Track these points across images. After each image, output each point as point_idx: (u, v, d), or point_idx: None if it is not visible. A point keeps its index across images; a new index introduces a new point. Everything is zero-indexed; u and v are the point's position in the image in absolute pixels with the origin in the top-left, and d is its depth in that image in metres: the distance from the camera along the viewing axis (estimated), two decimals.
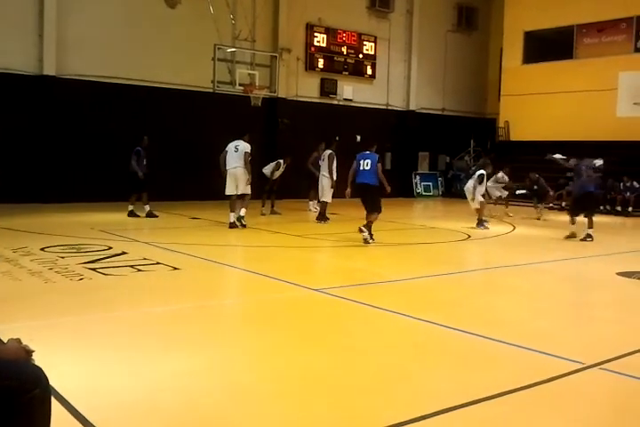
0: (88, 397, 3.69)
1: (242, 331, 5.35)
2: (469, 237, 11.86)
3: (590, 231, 11.33)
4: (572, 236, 11.50)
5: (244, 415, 3.54)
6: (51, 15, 15.83)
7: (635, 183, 17.66)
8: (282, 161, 15.11)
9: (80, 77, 16.35)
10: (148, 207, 13.21)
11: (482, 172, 13.46)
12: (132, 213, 13.17)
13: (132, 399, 3.69)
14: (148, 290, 6.75)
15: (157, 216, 13.22)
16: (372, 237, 10.22)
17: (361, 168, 10.41)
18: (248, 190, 12.04)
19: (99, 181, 16.43)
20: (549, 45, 22.88)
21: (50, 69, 15.94)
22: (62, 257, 8.20)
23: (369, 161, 10.40)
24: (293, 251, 9.91)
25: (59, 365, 4.11)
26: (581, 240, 11.27)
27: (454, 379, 4.21)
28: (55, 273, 7.16)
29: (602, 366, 4.42)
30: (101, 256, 8.37)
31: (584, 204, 11.60)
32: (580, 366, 4.42)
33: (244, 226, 11.92)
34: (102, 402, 3.64)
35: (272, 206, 14.95)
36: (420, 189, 23.74)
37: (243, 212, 12.04)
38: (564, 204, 17.52)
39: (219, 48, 15.75)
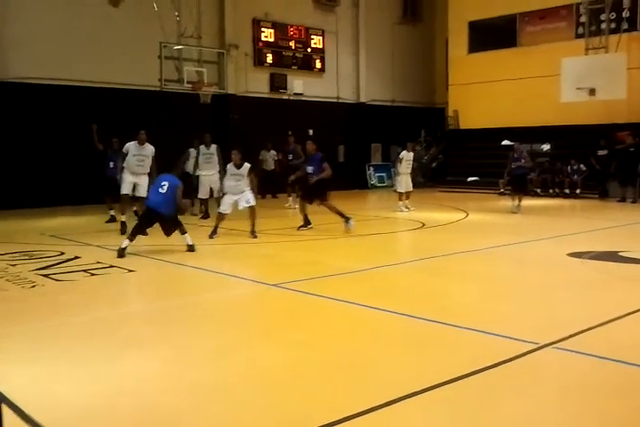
0: (43, 403, 3.63)
1: (201, 330, 5.31)
2: (424, 225, 12.00)
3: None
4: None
5: (204, 415, 3.52)
6: None
7: (582, 166, 18.11)
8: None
9: (23, 80, 15.93)
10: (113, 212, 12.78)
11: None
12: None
13: (88, 404, 3.64)
14: (103, 294, 6.65)
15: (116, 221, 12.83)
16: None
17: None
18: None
19: (47, 186, 16.07)
20: (493, 34, 23.22)
21: None
22: (13, 265, 8.01)
23: None
24: (249, 247, 9.88)
25: (12, 373, 4.03)
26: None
27: (414, 365, 4.28)
28: (6, 281, 7.00)
29: (555, 346, 4.54)
30: (54, 262, 8.21)
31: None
32: (535, 346, 4.52)
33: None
34: (58, 408, 3.59)
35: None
36: (374, 181, 23.90)
37: None
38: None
39: (164, 46, 15.54)
